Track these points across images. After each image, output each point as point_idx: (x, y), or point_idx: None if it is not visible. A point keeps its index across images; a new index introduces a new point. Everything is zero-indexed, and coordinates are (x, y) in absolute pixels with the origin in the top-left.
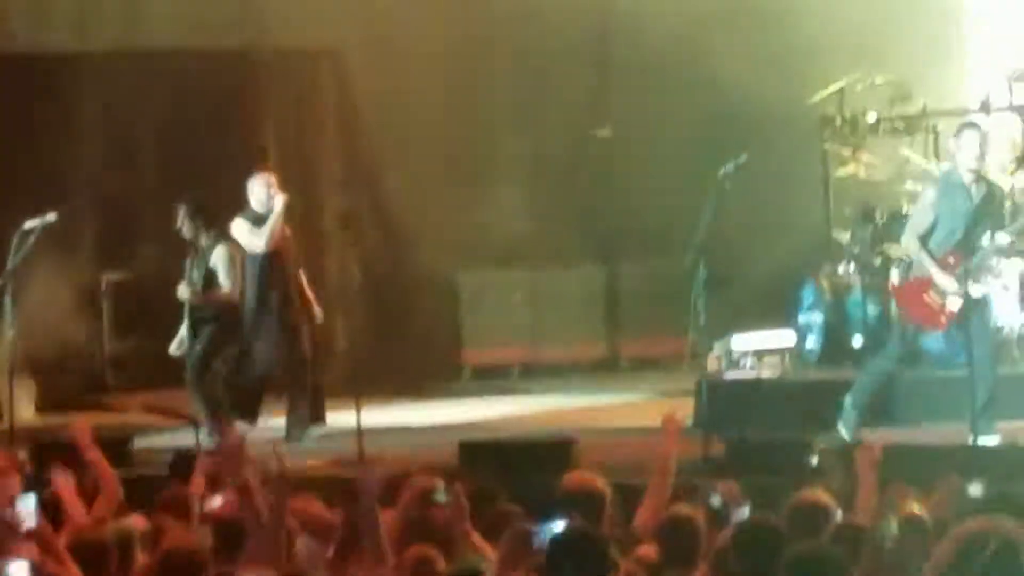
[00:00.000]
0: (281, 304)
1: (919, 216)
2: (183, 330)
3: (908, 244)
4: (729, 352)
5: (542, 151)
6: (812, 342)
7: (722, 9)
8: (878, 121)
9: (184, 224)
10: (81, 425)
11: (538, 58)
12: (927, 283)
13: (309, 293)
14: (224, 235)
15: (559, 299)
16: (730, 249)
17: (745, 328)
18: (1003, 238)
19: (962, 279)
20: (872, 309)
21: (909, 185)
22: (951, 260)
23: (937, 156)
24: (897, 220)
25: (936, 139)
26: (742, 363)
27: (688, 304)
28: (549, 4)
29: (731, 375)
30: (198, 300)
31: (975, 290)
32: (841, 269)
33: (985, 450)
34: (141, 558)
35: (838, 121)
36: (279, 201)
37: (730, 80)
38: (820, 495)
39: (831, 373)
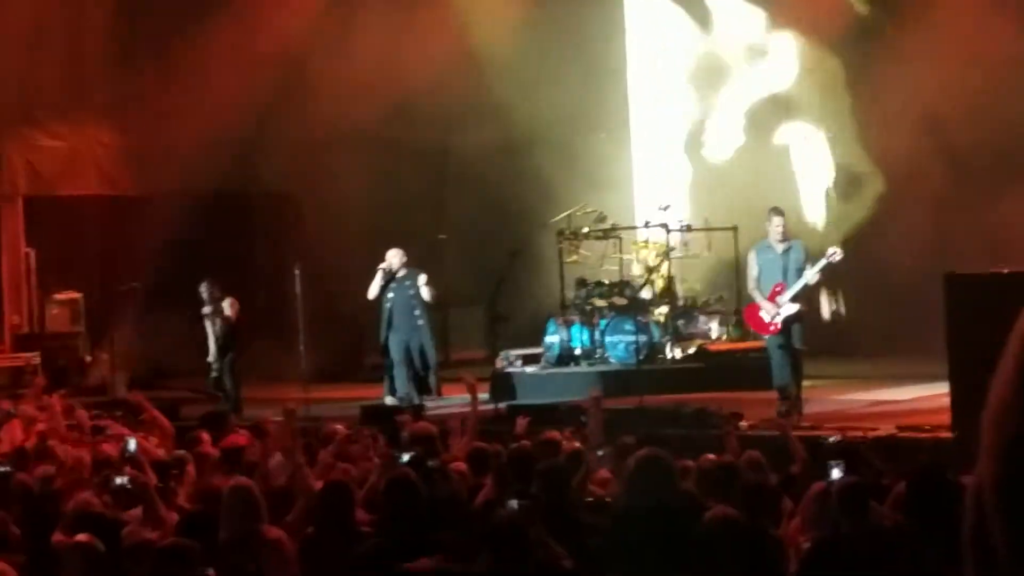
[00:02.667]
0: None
1: (751, 270)
2: (211, 345)
3: (749, 287)
4: (508, 357)
5: (408, 248)
6: (553, 352)
7: (510, 168)
8: (588, 232)
9: (206, 292)
10: (137, 396)
11: (402, 194)
12: (758, 307)
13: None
14: (227, 298)
15: None
16: (510, 300)
17: (517, 344)
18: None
19: (783, 303)
20: (585, 335)
21: (607, 266)
22: (778, 289)
23: (621, 251)
24: (599, 287)
25: (620, 242)
26: (515, 364)
27: (488, 331)
28: (405, 168)
29: (509, 370)
30: (228, 328)
31: (791, 308)
32: (568, 312)
33: (648, 410)
34: (191, 471)
35: (567, 231)
36: (382, 266)
37: (515, 202)
38: (560, 433)
39: (564, 369)
